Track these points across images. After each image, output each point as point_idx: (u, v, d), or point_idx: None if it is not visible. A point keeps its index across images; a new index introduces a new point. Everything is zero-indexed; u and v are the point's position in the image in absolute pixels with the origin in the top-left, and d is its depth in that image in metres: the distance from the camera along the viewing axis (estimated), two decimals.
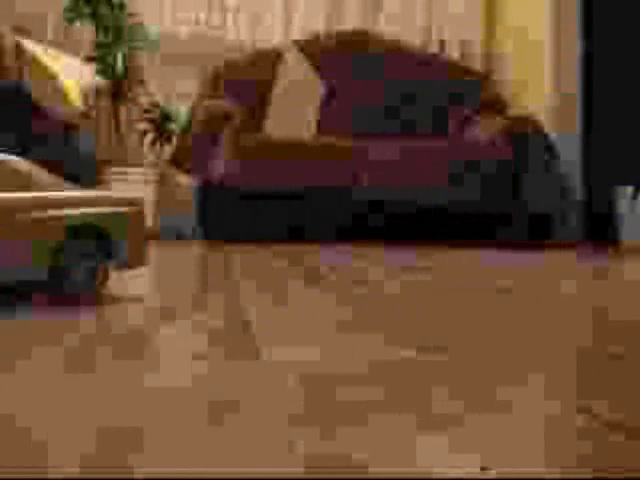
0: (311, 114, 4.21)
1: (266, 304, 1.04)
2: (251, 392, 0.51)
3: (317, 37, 4.49)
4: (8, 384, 0.53)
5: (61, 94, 3.70)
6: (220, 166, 3.64)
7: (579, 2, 4.15)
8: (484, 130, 3.93)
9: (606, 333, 0.81)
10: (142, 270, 1.64)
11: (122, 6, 4.12)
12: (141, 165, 4.17)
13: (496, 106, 4.38)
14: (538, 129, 3.75)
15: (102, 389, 0.52)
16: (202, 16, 4.58)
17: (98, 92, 4.11)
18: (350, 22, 4.79)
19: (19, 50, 3.50)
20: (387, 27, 4.83)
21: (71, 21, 4.03)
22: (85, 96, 3.94)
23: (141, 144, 4.31)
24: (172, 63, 4.54)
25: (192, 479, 0.33)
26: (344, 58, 4.45)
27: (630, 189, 3.73)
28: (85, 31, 4.33)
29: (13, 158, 1.52)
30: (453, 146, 3.71)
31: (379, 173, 3.66)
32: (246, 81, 4.28)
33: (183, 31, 4.56)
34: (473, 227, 3.88)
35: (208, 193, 3.69)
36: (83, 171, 3.78)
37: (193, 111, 3.88)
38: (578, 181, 4.14)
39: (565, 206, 4.15)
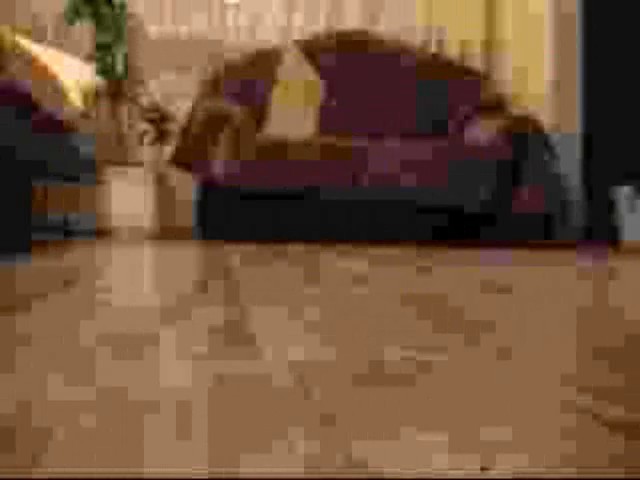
0: (311, 114, 4.21)
1: (266, 304, 1.05)
2: (251, 392, 0.51)
3: (317, 37, 4.50)
4: None
5: (61, 94, 3.70)
6: (220, 166, 3.64)
7: (579, 3, 4.16)
8: (484, 130, 3.94)
9: (606, 333, 0.82)
10: (141, 270, 1.65)
11: (122, 6, 4.13)
12: (141, 165, 4.18)
13: (496, 106, 4.38)
14: (538, 129, 3.76)
15: (102, 389, 0.52)
16: (202, 16, 4.59)
17: (98, 92, 4.12)
18: (350, 22, 4.80)
19: (19, 50, 3.51)
20: (387, 27, 4.83)
21: (71, 21, 4.04)
22: (85, 96, 3.95)
23: (141, 144, 4.32)
24: (172, 63, 4.54)
25: (192, 479, 0.33)
26: (344, 58, 4.46)
27: (630, 189, 3.73)
28: (85, 31, 4.34)
29: None
30: (453, 146, 3.72)
31: (379, 173, 3.67)
32: (246, 81, 4.28)
33: (183, 31, 4.56)
34: (473, 227, 3.88)
35: (208, 193, 3.69)
36: (83, 171, 3.78)
37: (193, 111, 3.88)
38: (578, 181, 4.14)
39: (565, 206, 4.16)
